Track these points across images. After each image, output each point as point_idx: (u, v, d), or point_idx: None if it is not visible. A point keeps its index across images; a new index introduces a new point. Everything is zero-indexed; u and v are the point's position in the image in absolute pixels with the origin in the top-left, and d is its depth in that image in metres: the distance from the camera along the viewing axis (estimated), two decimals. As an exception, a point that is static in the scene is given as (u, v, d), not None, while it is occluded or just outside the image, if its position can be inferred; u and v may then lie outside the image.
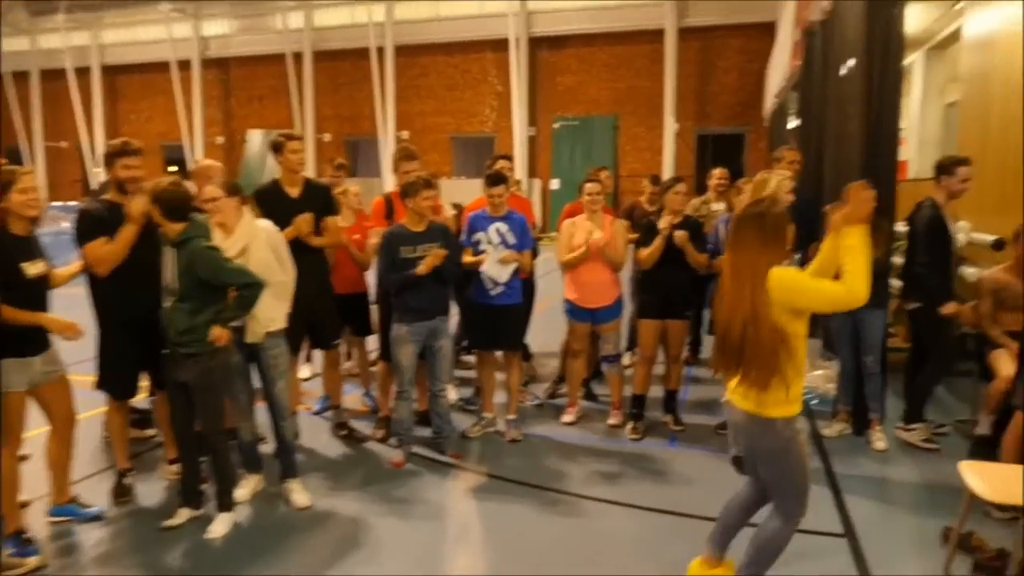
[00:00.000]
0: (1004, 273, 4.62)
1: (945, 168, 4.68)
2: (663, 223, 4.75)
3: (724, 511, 3.13)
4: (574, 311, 5.07)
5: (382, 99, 20.84)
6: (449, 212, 5.56)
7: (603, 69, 19.50)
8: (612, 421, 5.14)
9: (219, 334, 3.48)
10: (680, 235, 4.71)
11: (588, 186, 4.97)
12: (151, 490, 4.12)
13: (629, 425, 5.02)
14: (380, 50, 20.73)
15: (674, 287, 4.94)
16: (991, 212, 5.73)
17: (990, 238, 5.32)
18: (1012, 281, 4.56)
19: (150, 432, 4.84)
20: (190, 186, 3.89)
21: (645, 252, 4.78)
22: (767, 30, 17.39)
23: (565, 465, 4.47)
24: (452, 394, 5.44)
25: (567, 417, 5.20)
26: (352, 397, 5.56)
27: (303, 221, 4.40)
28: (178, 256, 3.45)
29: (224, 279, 3.47)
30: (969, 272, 4.99)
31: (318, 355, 5.46)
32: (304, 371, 6.01)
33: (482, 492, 4.15)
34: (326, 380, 5.05)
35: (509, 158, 5.97)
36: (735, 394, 2.78)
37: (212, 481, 3.74)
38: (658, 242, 4.74)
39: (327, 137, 22.37)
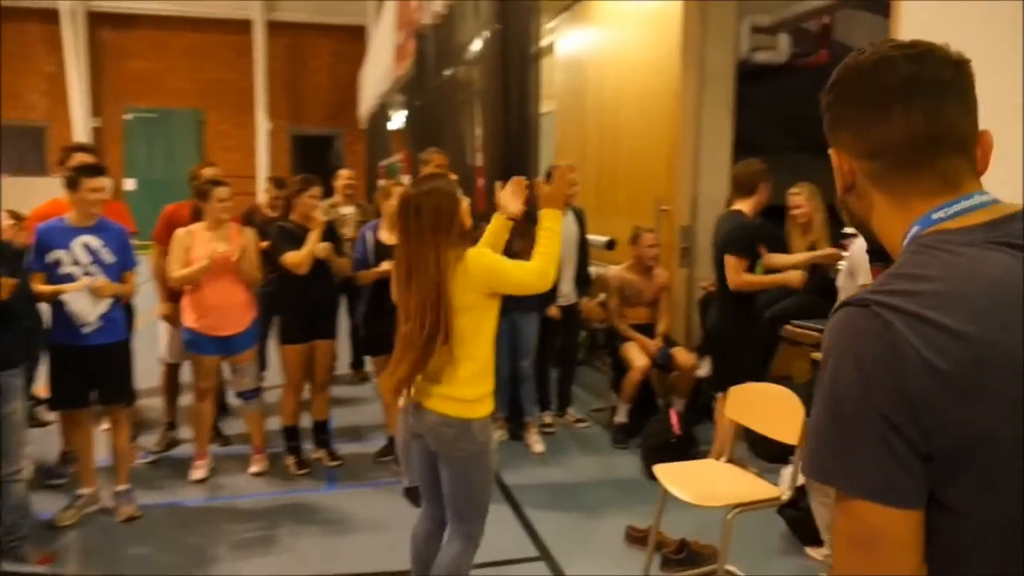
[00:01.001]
0: (626, 271, 4.98)
1: (553, 174, 4.85)
2: (318, 215, 4.19)
3: (412, 548, 2.74)
4: (199, 342, 4.09)
5: None
6: (5, 222, 4.10)
7: (183, 57, 17.45)
8: (255, 468, 4.29)
9: None
10: (324, 247, 4.13)
11: (219, 191, 4.04)
12: None
13: (291, 460, 4.34)
14: None
15: (320, 303, 4.34)
16: (592, 214, 6.23)
17: (603, 239, 5.75)
18: (634, 278, 4.93)
19: None
20: None
21: (297, 256, 4.08)
22: (358, 33, 17.41)
23: (209, 540, 3.53)
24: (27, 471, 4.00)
25: (197, 473, 4.19)
26: None
27: None
28: None
29: None
30: (592, 271, 5.30)
31: None
32: None
33: (94, 606, 3.03)
34: None
35: (88, 149, 4.65)
36: (425, 396, 2.46)
37: None
38: (315, 236, 4.11)
39: None
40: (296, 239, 4.16)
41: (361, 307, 4.42)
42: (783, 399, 2.87)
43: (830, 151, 1.00)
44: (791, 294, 4.40)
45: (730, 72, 5.36)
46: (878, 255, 1.17)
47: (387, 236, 4.18)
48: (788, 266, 3.92)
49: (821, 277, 4.20)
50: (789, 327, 4.31)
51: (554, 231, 2.49)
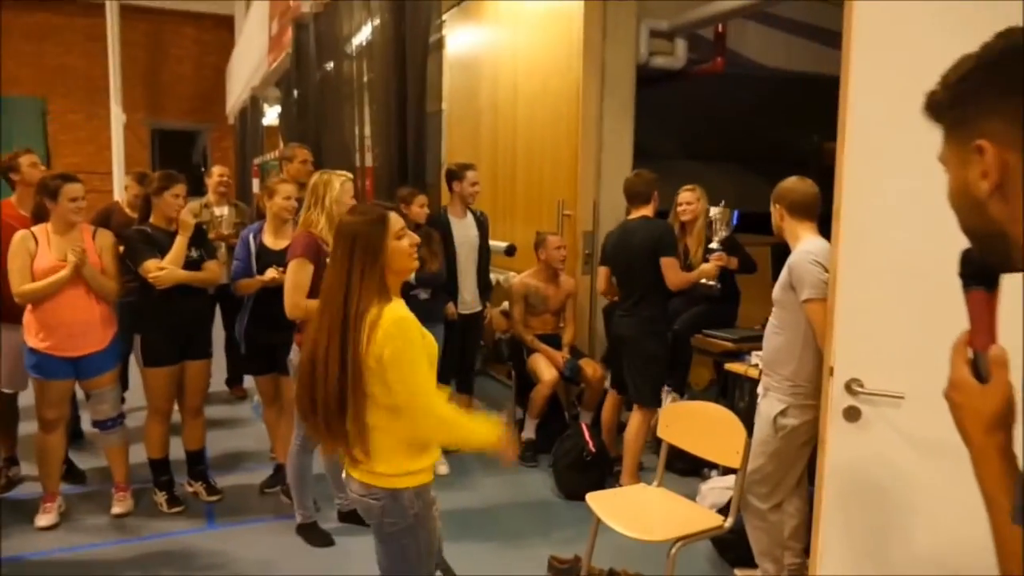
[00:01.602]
0: (531, 277, 4.71)
1: (456, 174, 4.58)
2: (186, 216, 3.63)
3: None
4: (47, 364, 3.44)
5: None
6: None
7: (22, 40, 15.63)
8: (118, 509, 3.68)
9: None
10: (180, 274, 3.57)
11: (70, 187, 3.40)
12: None
13: (161, 497, 3.76)
14: None
15: (191, 317, 3.75)
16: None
17: (502, 244, 5.45)
18: (539, 285, 4.67)
19: None
20: None
21: (158, 265, 3.51)
22: (224, 23, 16.30)
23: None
24: None
25: (45, 519, 3.54)
26: None
27: None
28: None
29: None
30: (501, 279, 5.02)
31: None
32: None
33: None
34: None
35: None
36: (349, 463, 2.07)
37: None
38: (181, 242, 3.58)
39: None
40: (157, 244, 3.59)
41: (242, 319, 3.86)
42: (721, 419, 2.68)
43: (979, 143, 0.85)
44: (694, 304, 4.30)
45: (630, 76, 5.23)
46: (982, 278, 0.96)
47: (272, 240, 3.71)
48: (689, 281, 3.91)
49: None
50: (700, 336, 4.21)
51: (468, 444, 2.09)
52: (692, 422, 2.79)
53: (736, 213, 4.02)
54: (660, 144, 6.24)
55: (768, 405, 2.77)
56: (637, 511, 2.67)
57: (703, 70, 5.75)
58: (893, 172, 2.15)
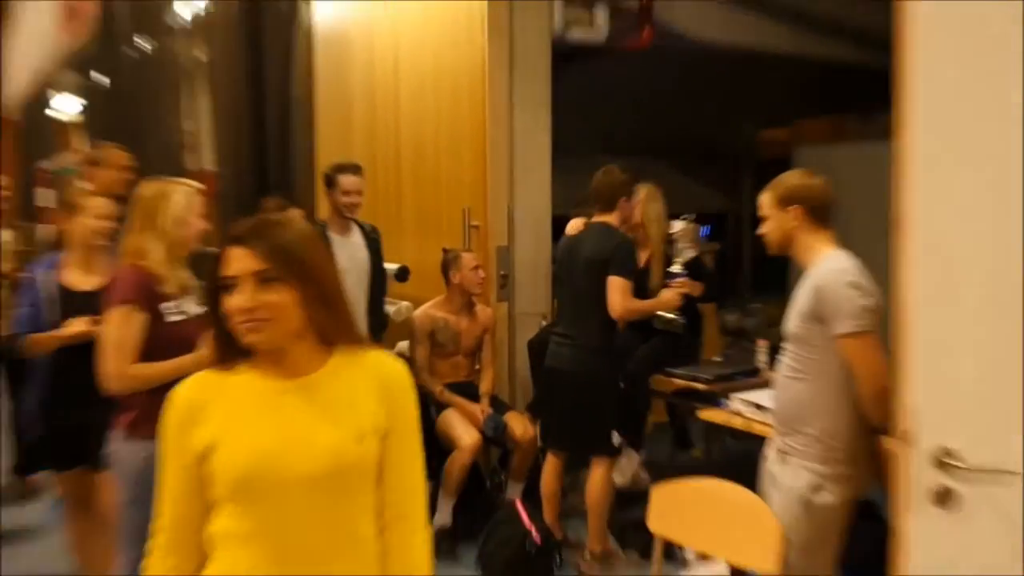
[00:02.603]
0: (437, 309, 4.21)
1: (328, 179, 4.18)
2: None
3: None
4: None
5: None
6: None
7: None
8: None
9: None
10: None
11: None
12: None
13: None
14: None
15: None
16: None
17: (392, 267, 4.88)
18: (449, 318, 4.18)
19: None
20: None
21: None
22: (-1, -8, 14.79)
23: None
24: None
25: None
26: None
27: None
28: None
29: None
30: (390, 310, 4.46)
31: None
32: None
33: None
34: None
35: None
36: None
37: None
38: None
39: None
40: None
41: (34, 390, 3.16)
42: (741, 505, 2.27)
43: None
44: (648, 337, 3.98)
45: (545, 50, 4.84)
46: None
47: (78, 277, 3.06)
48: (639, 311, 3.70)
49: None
50: (659, 377, 3.87)
51: None
52: (699, 510, 2.35)
53: (707, 229, 3.77)
54: (574, 135, 5.89)
55: (793, 476, 2.40)
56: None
57: (627, 45, 5.47)
58: (972, 170, 1.83)
